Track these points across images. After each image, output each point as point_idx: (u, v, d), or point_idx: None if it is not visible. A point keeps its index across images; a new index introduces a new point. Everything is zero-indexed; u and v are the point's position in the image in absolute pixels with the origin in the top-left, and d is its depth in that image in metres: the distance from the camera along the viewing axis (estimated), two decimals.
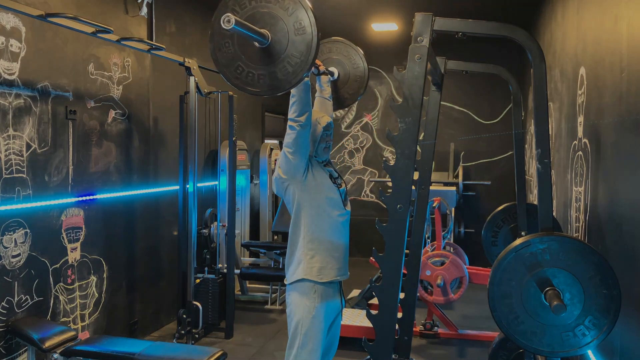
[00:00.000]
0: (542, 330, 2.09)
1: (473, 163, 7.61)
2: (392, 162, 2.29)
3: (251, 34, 1.98)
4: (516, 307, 2.11)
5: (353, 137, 8.08)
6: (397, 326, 2.66)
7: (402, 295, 2.96)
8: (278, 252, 5.59)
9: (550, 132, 4.27)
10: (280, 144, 7.48)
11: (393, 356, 2.38)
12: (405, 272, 2.98)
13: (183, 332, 4.30)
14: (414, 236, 3.11)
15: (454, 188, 6.51)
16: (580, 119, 3.31)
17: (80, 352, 3.11)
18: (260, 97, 6.69)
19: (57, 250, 3.59)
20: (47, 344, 3.08)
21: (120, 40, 3.67)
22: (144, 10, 4.40)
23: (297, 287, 2.52)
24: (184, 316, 4.31)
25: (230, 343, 4.46)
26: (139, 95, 4.46)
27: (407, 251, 2.88)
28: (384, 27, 6.71)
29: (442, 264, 4.48)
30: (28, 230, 3.33)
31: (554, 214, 3.95)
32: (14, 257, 3.22)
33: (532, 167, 5.69)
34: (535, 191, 4.98)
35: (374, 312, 2.33)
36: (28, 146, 3.33)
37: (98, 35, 3.42)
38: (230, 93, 4.62)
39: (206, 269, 4.71)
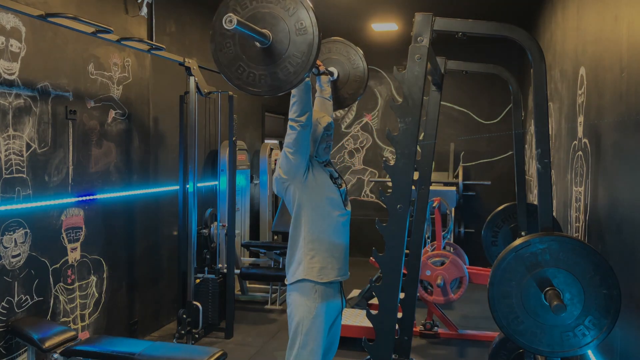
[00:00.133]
0: (542, 330, 2.09)
1: (473, 163, 7.61)
2: (392, 162, 2.29)
3: (253, 34, 1.98)
4: (516, 307, 2.11)
5: (353, 137, 8.08)
6: (397, 326, 2.66)
7: (402, 295, 2.96)
8: (278, 252, 5.59)
9: (550, 132, 4.27)
10: (281, 144, 7.48)
11: (393, 356, 2.39)
12: (405, 272, 2.98)
13: (183, 332, 4.30)
14: (414, 236, 3.11)
15: (454, 188, 6.51)
16: (580, 119, 3.31)
17: (80, 352, 3.11)
18: (260, 97, 6.70)
19: (57, 250, 3.59)
20: (47, 344, 3.08)
21: (120, 40, 3.67)
22: (144, 10, 4.40)
23: (298, 287, 2.52)
24: (184, 316, 4.31)
25: (230, 343, 4.46)
26: (139, 95, 4.46)
27: (407, 251, 2.88)
28: (384, 27, 6.71)
29: (442, 264, 4.49)
30: (28, 230, 3.33)
31: (554, 214, 3.95)
32: (14, 257, 3.22)
33: (532, 167, 5.69)
34: (535, 191, 4.99)
35: (374, 312, 2.33)
36: (28, 146, 3.33)
37: (98, 35, 3.42)
38: (230, 93, 4.62)
39: (206, 269, 4.71)
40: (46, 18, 3.08)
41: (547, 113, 2.47)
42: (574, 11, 3.65)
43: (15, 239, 3.23)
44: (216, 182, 5.15)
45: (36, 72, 3.38)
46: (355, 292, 5.08)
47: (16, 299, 3.24)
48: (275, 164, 6.19)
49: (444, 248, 4.75)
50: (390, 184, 2.35)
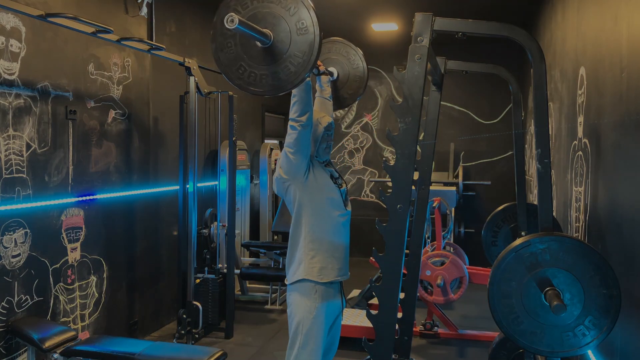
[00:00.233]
0: (542, 330, 2.09)
1: (473, 163, 7.61)
2: (392, 162, 2.29)
3: (254, 34, 1.98)
4: (516, 307, 2.11)
5: (353, 137, 8.08)
6: (397, 326, 2.66)
7: (402, 295, 2.96)
8: (278, 252, 5.59)
9: (550, 132, 4.28)
10: (281, 144, 7.48)
11: (393, 356, 2.39)
12: (405, 272, 2.98)
13: (183, 332, 4.30)
14: (414, 236, 3.11)
15: (454, 188, 6.51)
16: (580, 119, 3.31)
17: (80, 352, 3.10)
18: (260, 97, 6.70)
19: (57, 250, 3.59)
20: (47, 344, 3.08)
21: (120, 40, 3.67)
22: (144, 10, 4.40)
23: (298, 287, 2.52)
24: (184, 316, 4.31)
25: (230, 343, 4.46)
26: (139, 95, 4.46)
27: (407, 251, 2.88)
28: (384, 27, 6.71)
29: (442, 264, 4.49)
30: (28, 230, 3.33)
31: (554, 214, 3.95)
32: (14, 257, 3.22)
33: (532, 167, 5.69)
34: (535, 191, 4.99)
35: (374, 312, 2.33)
36: (28, 146, 3.33)
37: (98, 35, 3.42)
38: (230, 93, 4.62)
39: (206, 269, 4.72)
40: (46, 18, 3.08)
41: (547, 113, 2.47)
42: (574, 11, 3.65)
43: (15, 239, 3.23)
44: (216, 182, 5.15)
45: (36, 72, 3.38)
46: (355, 292, 5.08)
47: (16, 299, 3.24)
48: (275, 164, 6.19)
49: (444, 248, 4.75)
50: (390, 184, 2.35)
